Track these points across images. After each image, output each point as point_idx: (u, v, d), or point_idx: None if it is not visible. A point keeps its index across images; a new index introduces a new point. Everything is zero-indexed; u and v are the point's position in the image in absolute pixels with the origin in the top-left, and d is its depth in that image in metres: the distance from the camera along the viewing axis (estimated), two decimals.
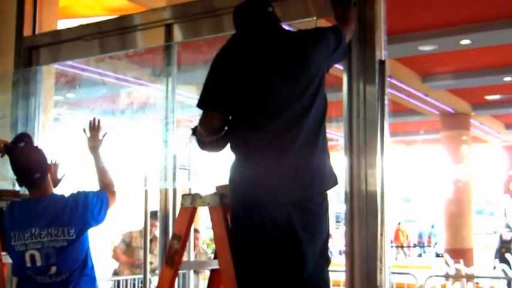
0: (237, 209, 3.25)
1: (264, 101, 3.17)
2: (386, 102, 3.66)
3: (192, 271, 5.17)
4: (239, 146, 3.26)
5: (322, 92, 3.26)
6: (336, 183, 3.29)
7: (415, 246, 29.93)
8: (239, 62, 3.26)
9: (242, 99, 3.21)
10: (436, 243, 27.48)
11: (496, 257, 15.09)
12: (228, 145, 3.34)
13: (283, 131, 3.14)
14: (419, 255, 28.41)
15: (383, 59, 3.74)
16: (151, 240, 7.08)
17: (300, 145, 3.13)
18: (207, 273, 4.52)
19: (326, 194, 3.25)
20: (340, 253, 19.92)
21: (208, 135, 3.33)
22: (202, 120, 3.29)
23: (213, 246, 3.74)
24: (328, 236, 3.28)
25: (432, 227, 30.60)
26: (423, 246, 29.54)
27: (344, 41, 3.42)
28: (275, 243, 3.15)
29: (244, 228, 3.21)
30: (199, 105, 3.28)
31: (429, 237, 30.05)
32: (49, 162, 3.87)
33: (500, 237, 15.38)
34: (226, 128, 3.30)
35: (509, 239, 14.93)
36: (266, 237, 3.14)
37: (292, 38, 3.36)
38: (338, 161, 3.67)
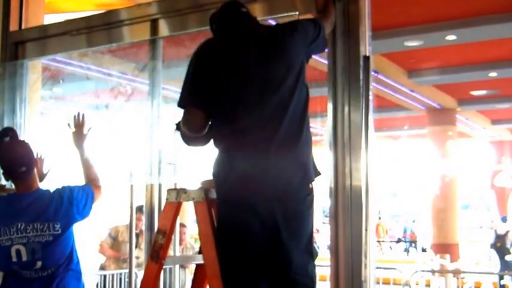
0: (221, 205, 3.24)
1: (243, 93, 3.15)
2: (370, 97, 3.66)
3: (178, 266, 5.17)
4: (221, 141, 3.24)
5: (303, 82, 3.22)
6: (318, 174, 3.25)
7: (399, 241, 29.95)
8: (218, 58, 3.25)
9: (222, 95, 3.19)
10: (416, 238, 27.58)
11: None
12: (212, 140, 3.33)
13: (265, 124, 3.11)
14: (406, 249, 28.46)
15: (367, 54, 3.73)
16: (138, 235, 7.07)
17: (282, 137, 3.09)
18: (194, 267, 4.52)
19: (311, 189, 3.21)
20: (328, 248, 19.94)
21: (191, 133, 3.31)
22: (185, 119, 3.26)
23: None
24: (312, 231, 3.25)
25: (413, 221, 30.66)
26: (407, 241, 29.57)
27: (323, 31, 3.41)
28: (259, 239, 3.13)
29: (229, 224, 3.20)
30: (180, 104, 3.27)
31: (412, 233, 30.09)
32: (35, 156, 3.87)
33: (495, 231, 15.40)
34: (209, 125, 3.28)
35: (504, 233, 14.95)
36: (250, 234, 3.12)
37: (269, 29, 3.40)
38: (323, 156, 3.68)
